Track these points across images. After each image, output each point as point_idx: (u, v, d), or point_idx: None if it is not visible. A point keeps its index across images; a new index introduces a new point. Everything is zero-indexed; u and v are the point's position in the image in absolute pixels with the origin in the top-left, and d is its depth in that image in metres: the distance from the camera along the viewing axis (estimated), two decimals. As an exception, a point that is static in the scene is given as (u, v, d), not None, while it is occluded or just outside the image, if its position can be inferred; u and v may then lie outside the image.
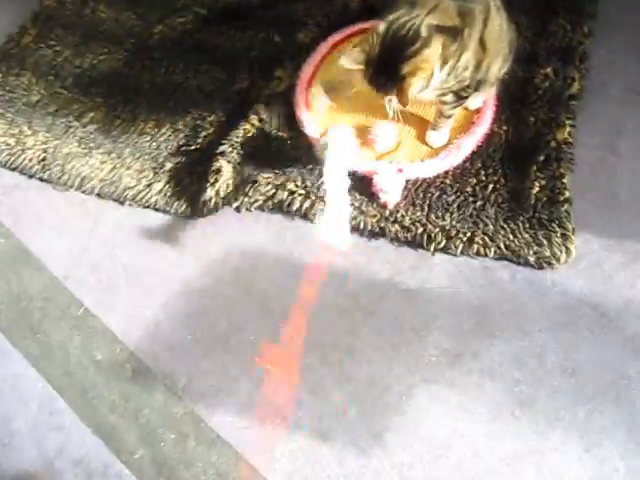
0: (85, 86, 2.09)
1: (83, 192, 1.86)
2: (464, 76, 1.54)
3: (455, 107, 1.67)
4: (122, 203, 1.83)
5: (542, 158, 1.70)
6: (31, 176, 1.92)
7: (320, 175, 1.69)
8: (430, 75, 1.46)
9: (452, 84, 1.56)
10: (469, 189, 1.71)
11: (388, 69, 1.45)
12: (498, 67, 1.61)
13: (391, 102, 1.53)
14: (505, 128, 1.80)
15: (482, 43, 1.51)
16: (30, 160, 1.91)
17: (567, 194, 1.65)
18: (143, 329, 1.61)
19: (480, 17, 1.50)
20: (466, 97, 1.64)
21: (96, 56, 2.17)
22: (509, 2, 1.75)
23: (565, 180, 1.67)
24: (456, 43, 1.47)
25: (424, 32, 1.42)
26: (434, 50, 1.43)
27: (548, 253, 1.58)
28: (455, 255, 1.63)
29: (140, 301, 1.65)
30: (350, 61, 1.50)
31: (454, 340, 1.52)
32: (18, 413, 1.54)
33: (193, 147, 1.89)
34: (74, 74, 2.13)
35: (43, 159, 1.90)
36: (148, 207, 1.81)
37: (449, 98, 1.62)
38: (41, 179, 1.90)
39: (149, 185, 1.82)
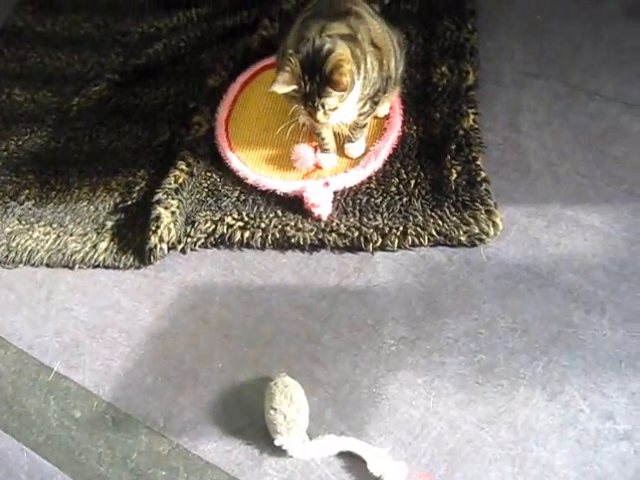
0: (15, 167, 2.12)
1: (32, 265, 1.89)
2: (374, 77, 1.67)
3: (369, 115, 1.79)
4: (72, 268, 1.86)
5: (454, 147, 1.82)
6: (-23, 261, 1.94)
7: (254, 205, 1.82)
8: (352, 72, 1.56)
9: (368, 90, 1.68)
10: (393, 188, 1.82)
11: (315, 77, 1.55)
12: (394, 63, 1.75)
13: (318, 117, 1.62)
14: (415, 127, 1.92)
15: (374, 45, 1.65)
16: (-26, 246, 1.93)
17: (483, 174, 1.77)
18: (114, 380, 1.64)
19: (360, 23, 1.65)
20: (377, 102, 1.76)
21: (20, 137, 2.20)
22: (396, 15, 1.90)
23: (479, 162, 1.79)
24: (358, 47, 1.59)
25: (328, 42, 1.55)
26: (344, 49, 1.55)
27: (477, 230, 1.68)
28: (393, 250, 1.72)
29: (107, 355, 1.69)
30: (281, 85, 1.56)
31: (409, 327, 1.60)
32: (9, 486, 1.55)
33: (129, 202, 1.95)
34: (2, 158, 2.16)
35: (-14, 242, 1.93)
36: (98, 266, 1.85)
37: (367, 107, 1.74)
38: (-12, 261, 1.93)
39: (94, 246, 1.87)
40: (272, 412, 1.45)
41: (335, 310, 1.66)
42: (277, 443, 1.45)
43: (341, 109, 1.62)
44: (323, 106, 1.59)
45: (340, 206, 1.81)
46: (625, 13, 2.11)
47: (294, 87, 1.57)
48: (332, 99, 1.57)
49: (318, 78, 1.54)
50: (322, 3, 1.73)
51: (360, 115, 1.76)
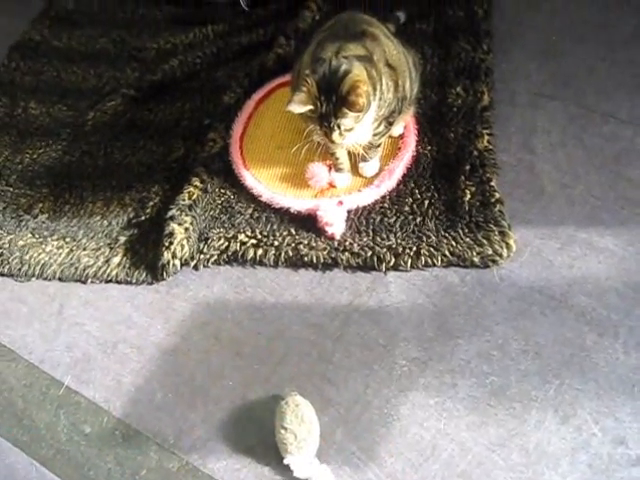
0: (29, 180, 2.14)
1: (45, 279, 1.89)
2: (389, 98, 1.68)
3: (384, 135, 1.80)
4: (84, 282, 1.87)
5: (468, 167, 1.82)
6: (-10, 273, 1.95)
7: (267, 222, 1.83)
8: (368, 93, 1.57)
9: (384, 111, 1.69)
10: (407, 208, 1.82)
11: (331, 97, 1.56)
12: (409, 84, 1.75)
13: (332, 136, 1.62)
14: (429, 147, 1.92)
15: (389, 65, 1.66)
16: (-13, 259, 1.95)
17: (497, 195, 1.76)
18: (125, 396, 1.65)
19: (376, 45, 1.66)
20: (392, 122, 1.77)
21: (35, 151, 2.22)
22: (411, 35, 1.90)
23: (493, 183, 1.78)
24: (373, 68, 1.60)
25: (345, 63, 1.55)
26: (361, 70, 1.56)
27: (490, 251, 1.68)
28: (406, 270, 1.72)
29: (118, 370, 1.69)
30: (297, 105, 1.57)
31: (421, 348, 1.59)
32: (17, 501, 1.55)
33: (143, 218, 1.95)
34: (17, 171, 2.17)
35: (0, 255, 1.94)
36: (110, 281, 1.86)
37: (381, 127, 1.75)
38: (1, 274, 1.93)
39: (107, 261, 1.87)
40: (283, 431, 1.44)
41: (347, 329, 1.65)
42: (287, 462, 1.44)
43: (357, 130, 1.63)
44: (339, 127, 1.59)
45: (353, 225, 1.82)
46: (640, 36, 2.12)
47: (310, 107, 1.58)
48: (348, 120, 1.58)
49: (334, 99, 1.55)
50: (338, 24, 1.75)
51: (375, 135, 1.77)
